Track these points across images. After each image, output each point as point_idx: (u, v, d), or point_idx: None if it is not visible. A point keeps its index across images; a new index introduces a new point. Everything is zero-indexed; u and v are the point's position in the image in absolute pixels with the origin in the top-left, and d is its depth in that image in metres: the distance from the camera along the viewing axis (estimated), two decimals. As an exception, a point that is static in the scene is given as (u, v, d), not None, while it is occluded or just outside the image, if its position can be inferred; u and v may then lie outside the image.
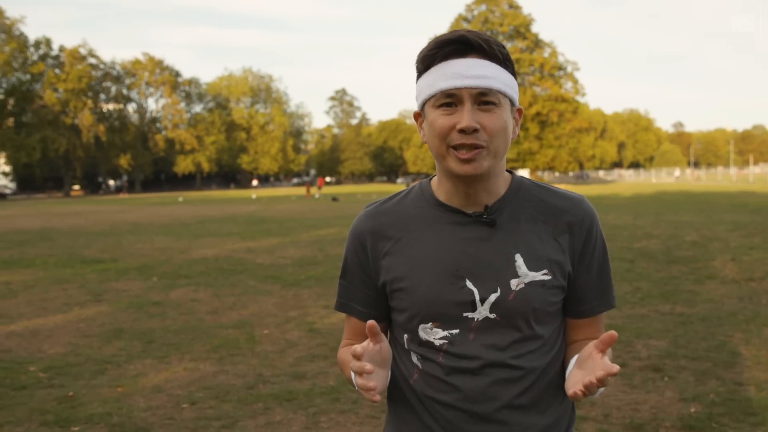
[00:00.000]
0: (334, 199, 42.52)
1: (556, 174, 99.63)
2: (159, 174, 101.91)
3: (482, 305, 1.44)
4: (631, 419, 4.39)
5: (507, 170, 1.55)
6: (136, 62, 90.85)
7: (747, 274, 9.83)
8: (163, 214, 31.62)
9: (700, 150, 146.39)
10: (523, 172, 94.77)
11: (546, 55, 74.19)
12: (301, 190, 68.34)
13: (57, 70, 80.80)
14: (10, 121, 78.39)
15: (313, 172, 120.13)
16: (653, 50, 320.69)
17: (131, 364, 5.99)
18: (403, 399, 1.57)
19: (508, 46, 75.60)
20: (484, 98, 1.39)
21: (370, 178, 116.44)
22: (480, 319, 1.45)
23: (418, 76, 1.47)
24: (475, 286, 1.44)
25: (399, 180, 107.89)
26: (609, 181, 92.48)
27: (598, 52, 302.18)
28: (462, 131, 1.37)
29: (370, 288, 1.57)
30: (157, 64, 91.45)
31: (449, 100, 1.39)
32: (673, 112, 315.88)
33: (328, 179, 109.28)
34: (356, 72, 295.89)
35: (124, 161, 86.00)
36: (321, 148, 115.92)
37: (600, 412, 4.52)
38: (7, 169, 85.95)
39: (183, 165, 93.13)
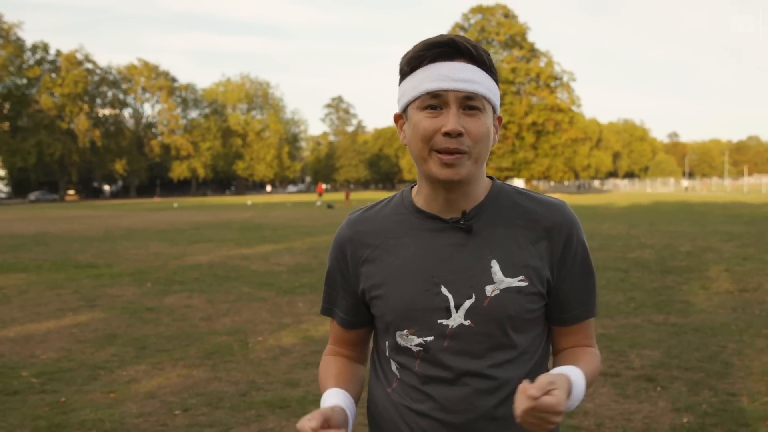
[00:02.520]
0: (330, 206, 42.51)
1: (552, 183, 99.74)
2: (154, 179, 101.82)
3: (457, 312, 1.43)
4: (624, 429, 4.40)
5: (488, 176, 1.54)
6: (132, 67, 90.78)
7: (740, 284, 9.86)
8: (157, 219, 31.57)
9: (695, 160, 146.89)
10: (519, 182, 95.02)
11: (542, 64, 74.42)
12: (299, 197, 68.24)
13: (53, 75, 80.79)
14: (6, 125, 78.25)
15: (308, 179, 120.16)
16: (649, 60, 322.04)
17: (124, 370, 5.97)
18: (381, 409, 1.57)
19: (504, 55, 75.92)
20: (469, 102, 1.38)
21: (365, 185, 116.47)
22: (454, 326, 1.43)
23: (402, 78, 1.46)
24: (450, 292, 1.43)
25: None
26: (604, 191, 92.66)
27: (594, 61, 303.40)
28: (447, 134, 1.36)
29: (350, 295, 1.58)
30: (153, 70, 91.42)
31: (435, 102, 1.38)
32: (668, 123, 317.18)
33: (324, 186, 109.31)
34: (352, 79, 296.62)
35: (119, 166, 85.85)
36: (317, 156, 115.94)
37: (593, 422, 4.52)
38: (2, 173, 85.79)
39: (178, 171, 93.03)
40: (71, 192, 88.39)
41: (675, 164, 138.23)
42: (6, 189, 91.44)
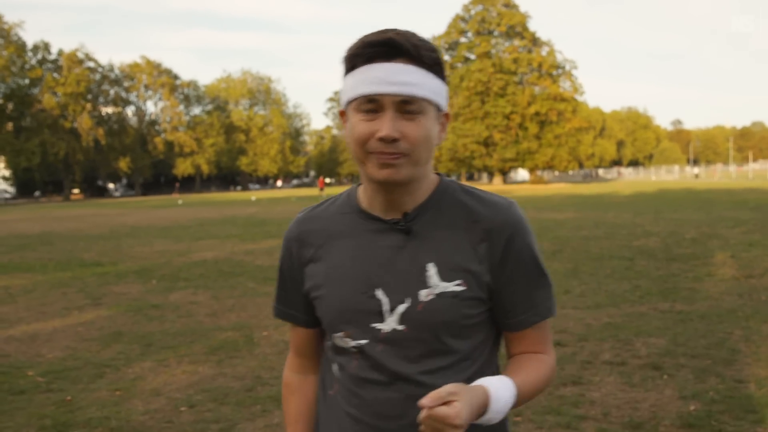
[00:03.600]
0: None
1: (556, 173, 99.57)
2: (158, 176, 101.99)
3: (391, 316, 1.39)
4: (631, 418, 4.38)
5: (438, 173, 1.48)
6: (135, 65, 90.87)
7: (746, 270, 9.82)
8: (162, 216, 31.60)
9: (699, 147, 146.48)
10: (523, 172, 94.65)
11: (544, 53, 74.21)
12: (302, 192, 68.28)
13: (55, 74, 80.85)
14: (9, 126, 78.35)
15: (312, 173, 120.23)
16: (652, 48, 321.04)
17: (130, 368, 5.98)
18: (323, 411, 1.54)
19: (506, 45, 75.64)
20: (407, 107, 1.31)
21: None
22: (388, 330, 1.39)
23: (345, 74, 1.39)
24: (385, 295, 1.40)
25: None
26: (609, 180, 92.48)
27: (597, 50, 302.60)
28: (382, 139, 1.30)
29: (302, 294, 1.54)
30: (155, 67, 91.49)
31: (371, 105, 1.32)
32: (671, 110, 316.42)
33: (327, 180, 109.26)
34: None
35: (123, 164, 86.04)
36: (320, 150, 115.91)
37: (599, 411, 4.51)
38: (7, 173, 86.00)
39: (182, 167, 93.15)
40: (76, 191, 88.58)
41: (679, 152, 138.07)
42: (11, 189, 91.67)
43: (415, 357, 1.39)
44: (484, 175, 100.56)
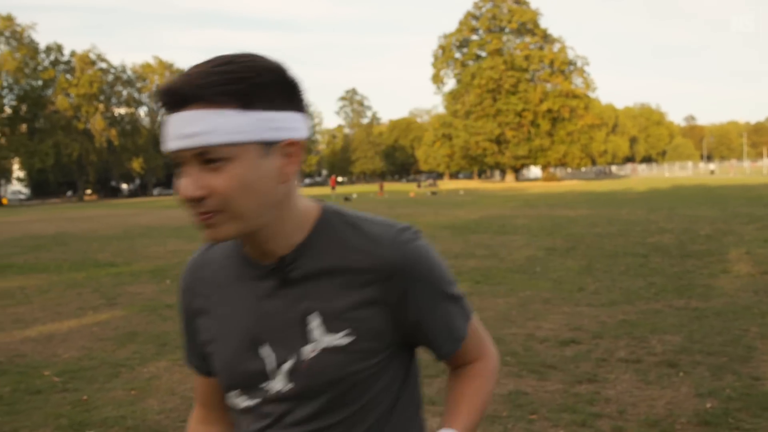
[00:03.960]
0: (346, 198, 42.51)
1: (569, 170, 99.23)
2: (171, 177, 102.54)
3: (277, 375, 1.24)
4: (647, 416, 4.36)
5: (320, 201, 1.30)
6: (147, 66, 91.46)
7: (762, 267, 9.74)
8: (175, 216, 31.71)
9: (713, 143, 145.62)
10: (535, 169, 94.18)
11: (555, 50, 74.07)
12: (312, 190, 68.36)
13: (68, 76, 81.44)
14: (23, 127, 79.07)
15: (324, 172, 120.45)
16: (664, 43, 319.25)
17: (145, 367, 6.00)
18: None
19: (517, 42, 75.53)
20: (206, 157, 1.09)
21: (381, 177, 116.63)
22: (275, 390, 1.24)
23: None
24: (272, 352, 1.24)
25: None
26: (622, 176, 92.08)
27: (609, 46, 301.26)
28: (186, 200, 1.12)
29: (198, 345, 1.39)
30: (167, 68, 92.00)
31: (177, 162, 1.13)
32: (684, 106, 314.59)
33: (339, 179, 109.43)
34: (366, 71, 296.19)
35: (136, 165, 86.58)
36: (332, 149, 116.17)
37: (615, 409, 4.48)
38: (21, 174, 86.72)
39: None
40: (89, 192, 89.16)
41: (693, 148, 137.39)
42: (26, 190, 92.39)
43: (306, 416, 1.24)
44: (497, 173, 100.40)
